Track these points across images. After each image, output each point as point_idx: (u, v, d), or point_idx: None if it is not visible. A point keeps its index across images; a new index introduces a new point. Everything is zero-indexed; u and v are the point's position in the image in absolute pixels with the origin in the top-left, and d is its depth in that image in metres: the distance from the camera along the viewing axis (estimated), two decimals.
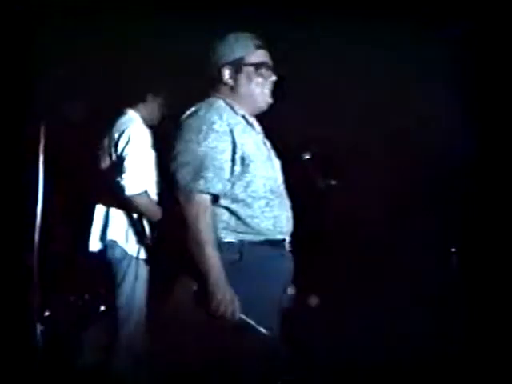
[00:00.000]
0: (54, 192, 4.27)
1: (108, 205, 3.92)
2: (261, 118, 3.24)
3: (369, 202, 4.75)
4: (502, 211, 4.59)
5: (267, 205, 2.80)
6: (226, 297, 2.67)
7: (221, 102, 2.87)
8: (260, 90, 2.93)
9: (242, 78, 2.90)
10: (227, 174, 2.75)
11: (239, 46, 2.91)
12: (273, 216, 2.81)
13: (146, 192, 3.82)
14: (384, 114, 4.68)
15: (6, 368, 3.94)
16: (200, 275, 2.68)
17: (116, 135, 3.88)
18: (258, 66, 2.91)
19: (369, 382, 4.11)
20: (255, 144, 2.87)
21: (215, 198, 2.75)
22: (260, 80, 2.92)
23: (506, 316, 4.33)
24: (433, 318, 4.42)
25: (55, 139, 4.20)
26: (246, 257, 2.76)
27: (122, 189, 3.79)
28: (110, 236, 3.88)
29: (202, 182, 2.70)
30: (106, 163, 3.94)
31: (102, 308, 4.26)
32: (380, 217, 4.76)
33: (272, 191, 2.84)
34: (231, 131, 2.79)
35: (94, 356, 3.97)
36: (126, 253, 3.81)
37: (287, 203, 2.93)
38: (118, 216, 3.91)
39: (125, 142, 3.83)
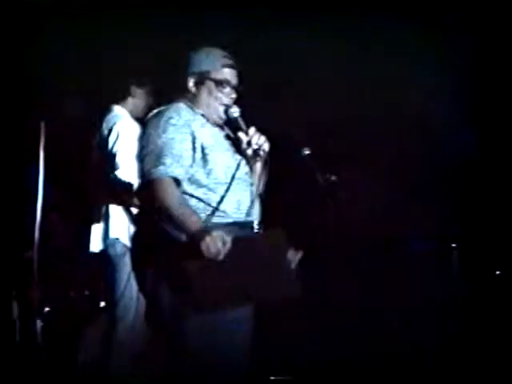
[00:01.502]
0: (53, 189, 4.29)
1: (106, 202, 3.92)
2: (262, 116, 3.26)
3: (369, 198, 4.75)
4: (502, 206, 4.60)
5: (229, 190, 2.98)
6: (205, 236, 2.79)
7: (181, 104, 3.08)
8: (217, 104, 3.10)
9: (204, 90, 3.10)
10: (188, 161, 2.95)
11: (208, 61, 3.11)
12: (236, 200, 2.99)
13: None
14: (384, 110, 4.68)
15: (7, 363, 3.94)
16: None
17: (105, 132, 3.91)
18: (219, 82, 3.09)
19: (368, 380, 4.10)
20: (213, 137, 3.05)
21: (177, 183, 2.93)
22: (219, 95, 3.10)
23: (506, 312, 4.33)
24: (433, 314, 4.42)
25: (55, 136, 4.21)
26: None
27: (117, 184, 3.80)
28: (112, 234, 3.88)
29: (161, 167, 2.89)
30: (100, 161, 3.95)
31: (102, 304, 4.26)
32: (380, 212, 4.76)
33: (234, 177, 3.01)
34: (189, 125, 3.00)
35: (93, 351, 3.96)
36: (128, 248, 3.81)
37: (253, 189, 3.08)
38: (118, 213, 3.91)
39: (114, 139, 3.86)
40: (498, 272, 4.57)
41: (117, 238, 3.86)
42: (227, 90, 3.10)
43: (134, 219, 3.85)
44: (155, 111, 3.09)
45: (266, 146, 3.10)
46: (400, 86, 4.64)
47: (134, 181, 3.79)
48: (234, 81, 3.12)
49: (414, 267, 4.61)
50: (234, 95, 3.12)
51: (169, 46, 4.41)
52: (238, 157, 3.08)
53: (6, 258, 4.43)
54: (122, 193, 3.79)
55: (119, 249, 3.85)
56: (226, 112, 3.11)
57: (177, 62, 3.20)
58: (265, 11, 4.54)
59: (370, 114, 4.75)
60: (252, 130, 3.10)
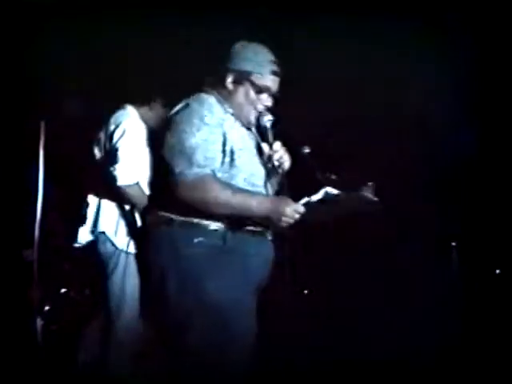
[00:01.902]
0: (53, 187, 4.29)
1: (100, 196, 3.92)
2: None
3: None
4: (501, 205, 4.60)
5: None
6: (280, 206, 2.82)
7: (212, 99, 2.98)
8: (251, 107, 3.00)
9: (241, 90, 2.99)
10: (218, 164, 2.88)
11: (254, 63, 2.97)
12: None
13: (137, 184, 3.82)
14: (384, 110, 4.69)
15: (7, 362, 3.93)
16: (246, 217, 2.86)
17: (112, 127, 3.89)
18: (260, 88, 2.98)
19: (369, 380, 4.09)
20: (242, 140, 2.97)
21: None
22: (256, 100, 2.99)
23: (506, 310, 4.34)
24: (432, 313, 4.42)
25: (55, 136, 4.22)
26: (228, 242, 2.90)
27: (114, 179, 3.78)
28: (100, 227, 3.87)
29: (196, 169, 2.82)
30: (101, 155, 3.94)
31: (102, 303, 4.25)
32: (379, 211, 4.76)
33: (252, 184, 2.96)
34: (221, 125, 2.91)
35: (93, 351, 3.96)
36: (116, 246, 3.81)
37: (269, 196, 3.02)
38: (109, 208, 3.90)
39: (120, 134, 3.84)
40: (497, 271, 4.58)
41: (103, 232, 3.85)
42: (265, 96, 2.99)
43: (126, 216, 3.85)
44: (182, 104, 2.97)
45: (287, 165, 3.05)
46: (400, 85, 4.64)
47: (133, 178, 3.81)
48: (274, 88, 3.01)
49: (414, 266, 4.61)
50: (269, 102, 3.02)
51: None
52: (261, 166, 3.01)
53: (6, 257, 4.43)
54: (117, 187, 3.79)
55: (109, 247, 3.85)
56: (257, 118, 3.01)
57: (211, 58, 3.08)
58: (265, 11, 4.54)
59: (370, 114, 4.76)
60: (277, 144, 3.02)
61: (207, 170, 2.82)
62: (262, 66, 2.97)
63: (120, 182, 3.77)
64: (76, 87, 4.60)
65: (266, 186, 3.01)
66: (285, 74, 4.77)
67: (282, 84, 4.80)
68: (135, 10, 4.51)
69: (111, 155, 3.82)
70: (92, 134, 4.04)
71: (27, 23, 4.44)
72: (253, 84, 2.96)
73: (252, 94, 2.97)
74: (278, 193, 3.04)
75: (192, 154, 2.82)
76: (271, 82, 2.99)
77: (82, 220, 3.89)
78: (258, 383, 3.16)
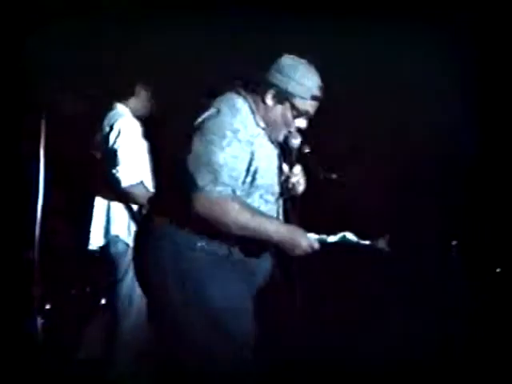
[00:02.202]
0: (54, 186, 4.29)
1: (108, 199, 3.92)
2: None
3: (369, 196, 4.75)
4: (502, 204, 4.60)
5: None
6: (296, 238, 2.81)
7: (246, 108, 2.84)
8: (284, 127, 2.89)
9: (278, 108, 2.86)
10: (240, 183, 2.79)
11: (301, 86, 2.84)
12: None
13: (141, 182, 3.83)
14: (385, 109, 4.68)
15: (7, 360, 3.94)
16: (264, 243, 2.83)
17: (107, 129, 3.90)
18: (299, 112, 2.87)
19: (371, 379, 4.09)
20: (268, 159, 2.88)
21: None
22: (291, 121, 2.88)
23: (507, 309, 4.34)
24: (433, 312, 4.42)
25: (55, 134, 4.21)
26: (234, 253, 2.86)
27: (117, 181, 3.80)
28: (113, 231, 3.88)
29: (220, 187, 2.71)
30: (100, 157, 3.95)
31: (103, 301, 4.27)
32: (380, 210, 4.76)
33: (266, 201, 2.90)
34: (252, 143, 2.79)
35: (94, 349, 3.96)
36: (129, 246, 3.82)
37: (279, 211, 2.97)
38: (119, 210, 3.91)
39: (115, 135, 3.85)
40: (498, 270, 4.58)
41: (117, 236, 3.86)
42: (301, 120, 2.88)
43: (135, 217, 3.86)
44: (213, 110, 2.80)
45: (301, 189, 3.00)
46: (400, 85, 4.63)
47: (137, 177, 3.81)
48: (312, 112, 2.90)
49: (414, 265, 4.61)
50: (304, 125, 2.91)
51: (179, 46, 4.41)
52: (277, 184, 2.93)
53: (7, 256, 4.43)
54: (122, 189, 3.80)
55: (120, 246, 3.86)
56: (286, 137, 2.89)
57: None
58: (265, 11, 4.53)
59: (371, 113, 4.75)
60: (297, 168, 2.96)
61: (229, 190, 2.73)
62: (307, 91, 2.84)
63: (124, 184, 3.78)
64: (76, 85, 4.60)
65: (277, 202, 2.95)
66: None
67: None
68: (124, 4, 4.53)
69: (111, 157, 3.82)
70: (93, 132, 4.05)
71: (27, 21, 4.43)
72: (293, 107, 2.84)
73: (289, 115, 2.85)
74: (286, 213, 2.99)
75: (219, 170, 2.70)
76: (311, 107, 2.88)
77: (92, 224, 3.90)
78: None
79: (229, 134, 2.73)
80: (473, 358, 4.11)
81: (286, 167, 2.95)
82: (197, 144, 2.73)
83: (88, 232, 3.91)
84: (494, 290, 4.50)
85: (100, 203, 3.93)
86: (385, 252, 2.92)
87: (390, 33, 4.46)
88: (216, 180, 2.70)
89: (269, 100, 2.84)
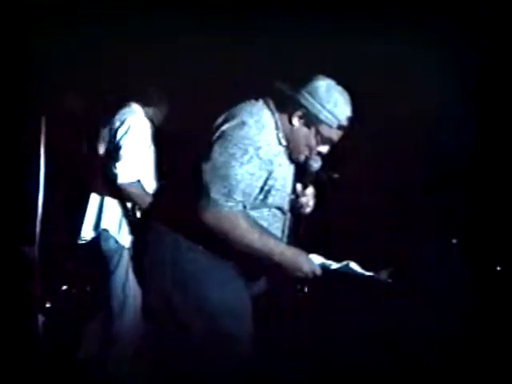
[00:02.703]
0: (54, 184, 4.28)
1: (103, 193, 3.92)
2: None
3: (369, 194, 4.75)
4: (502, 203, 4.61)
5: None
6: (299, 262, 2.82)
7: (272, 124, 2.80)
8: (306, 150, 2.86)
9: (303, 131, 2.82)
10: (251, 200, 2.79)
11: (330, 113, 2.80)
12: None
13: (138, 182, 3.82)
14: (384, 107, 4.68)
15: (8, 358, 3.94)
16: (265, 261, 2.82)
17: (117, 124, 3.88)
18: (323, 139, 2.84)
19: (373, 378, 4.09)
20: (284, 178, 2.87)
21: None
22: (313, 146, 2.85)
23: (507, 307, 4.34)
24: (433, 310, 4.43)
25: (56, 131, 4.20)
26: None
27: (115, 176, 3.80)
28: (103, 225, 3.87)
29: (231, 203, 2.71)
30: (104, 151, 3.94)
31: (103, 299, 4.25)
32: (380, 208, 4.77)
33: (274, 215, 2.89)
34: (272, 162, 2.77)
35: (94, 347, 3.96)
36: (118, 243, 3.81)
37: (286, 224, 2.96)
38: (112, 205, 3.90)
39: (124, 131, 3.84)
40: (498, 268, 4.59)
41: (106, 230, 3.85)
42: (323, 146, 2.86)
43: (128, 214, 3.85)
44: (239, 120, 2.74)
45: (308, 210, 2.98)
46: (400, 83, 4.63)
47: (134, 176, 3.81)
48: (335, 140, 2.87)
49: (415, 263, 4.61)
50: (325, 150, 2.88)
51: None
52: (287, 201, 2.92)
53: (7, 254, 4.43)
54: (118, 185, 3.79)
55: (110, 242, 3.85)
56: (307, 158, 2.87)
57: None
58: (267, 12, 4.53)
59: (371, 112, 4.75)
60: (310, 190, 2.95)
61: (240, 206, 2.72)
62: (336, 120, 2.81)
63: (120, 180, 3.78)
64: (77, 83, 4.59)
65: (285, 216, 2.94)
66: (285, 67, 4.79)
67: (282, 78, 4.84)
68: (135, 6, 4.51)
69: (114, 152, 3.82)
70: (93, 129, 4.04)
71: (27, 18, 4.42)
72: (318, 132, 2.81)
73: (313, 140, 2.82)
74: (291, 231, 3.00)
75: (234, 186, 2.68)
76: (336, 135, 2.86)
77: (85, 216, 3.89)
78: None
79: (251, 150, 2.70)
80: (473, 356, 4.12)
81: (299, 186, 2.92)
82: (217, 154, 2.70)
83: (81, 225, 3.90)
84: (494, 288, 4.50)
85: (94, 197, 3.92)
86: (387, 284, 2.91)
87: (389, 32, 4.47)
88: (229, 195, 2.69)
89: (295, 121, 2.80)
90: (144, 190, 3.82)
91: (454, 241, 4.57)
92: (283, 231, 2.94)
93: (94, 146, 3.98)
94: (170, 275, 2.83)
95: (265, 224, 2.85)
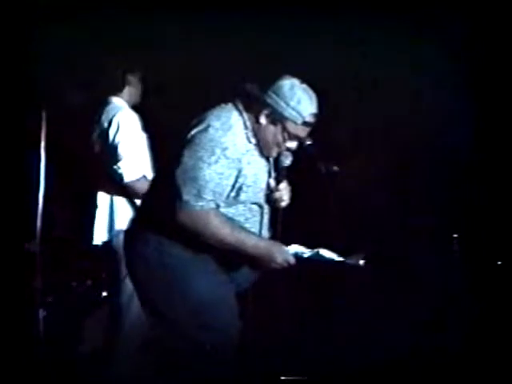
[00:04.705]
0: (55, 179, 4.28)
1: (110, 193, 3.92)
2: None
3: (369, 189, 4.75)
4: (503, 197, 4.61)
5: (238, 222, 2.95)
6: (272, 253, 2.91)
7: (240, 124, 2.91)
8: (275, 146, 2.95)
9: (270, 128, 2.92)
10: (224, 198, 2.88)
11: (295, 110, 2.87)
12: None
13: (144, 177, 3.83)
14: (384, 103, 4.69)
15: (9, 353, 3.95)
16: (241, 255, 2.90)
17: (105, 124, 3.89)
18: (290, 136, 2.92)
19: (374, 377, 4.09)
20: (255, 175, 2.95)
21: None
22: (281, 143, 2.93)
23: (508, 302, 4.34)
24: (434, 305, 4.43)
25: (57, 126, 4.21)
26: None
27: (120, 176, 3.80)
28: (117, 226, 3.88)
29: (202, 203, 2.81)
30: (101, 152, 3.94)
31: (104, 294, 4.28)
32: (381, 203, 4.77)
33: (250, 209, 2.97)
34: (240, 160, 2.87)
35: (96, 342, 3.98)
36: None
37: (264, 218, 3.03)
38: (122, 204, 3.91)
39: (115, 130, 3.85)
40: (499, 262, 4.59)
41: (121, 230, 3.85)
42: (292, 142, 2.94)
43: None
44: (207, 123, 2.85)
45: (283, 205, 3.04)
46: (400, 82, 4.64)
47: (139, 172, 3.82)
48: (303, 136, 2.96)
49: (415, 258, 4.62)
50: (294, 146, 2.96)
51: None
52: (262, 197, 3.00)
53: (9, 249, 4.43)
54: (125, 184, 3.80)
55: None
56: (278, 154, 2.97)
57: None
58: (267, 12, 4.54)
59: (372, 108, 4.76)
60: (283, 185, 3.03)
61: (212, 204, 2.83)
62: (300, 117, 2.88)
63: (127, 179, 3.79)
64: (77, 77, 4.60)
65: (262, 210, 3.01)
66: (286, 64, 4.80)
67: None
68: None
69: (112, 153, 3.82)
70: (93, 124, 4.05)
71: (27, 15, 4.43)
72: (284, 129, 2.89)
73: (280, 137, 2.90)
74: (271, 225, 3.07)
75: (203, 186, 2.79)
76: (303, 131, 2.94)
77: (94, 215, 3.90)
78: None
79: (217, 151, 2.81)
80: (473, 352, 4.12)
81: (272, 181, 3.01)
82: (186, 158, 2.82)
83: (91, 227, 3.91)
84: (494, 282, 4.51)
85: (103, 198, 3.93)
86: (359, 268, 2.95)
87: (389, 30, 4.48)
88: (199, 195, 2.80)
89: (263, 119, 2.90)
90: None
91: (455, 235, 4.57)
92: (261, 224, 3.01)
93: (91, 147, 4.00)
94: (154, 271, 2.90)
95: (242, 219, 2.94)
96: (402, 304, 4.48)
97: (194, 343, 2.85)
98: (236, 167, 2.85)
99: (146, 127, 3.98)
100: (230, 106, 2.95)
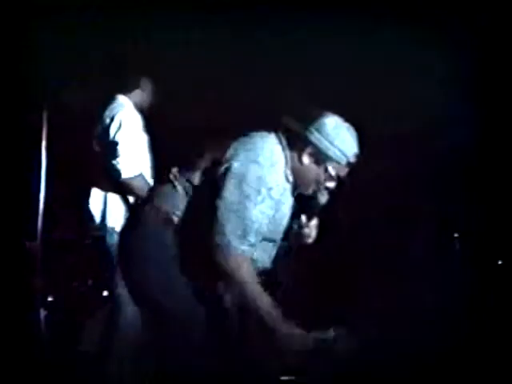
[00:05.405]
0: (56, 179, 4.29)
1: (105, 190, 3.92)
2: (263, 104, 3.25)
3: (370, 189, 4.76)
4: (503, 197, 4.61)
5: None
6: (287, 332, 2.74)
7: (282, 161, 2.77)
8: (314, 185, 2.84)
9: (313, 168, 2.81)
10: (261, 238, 2.79)
11: (339, 151, 2.78)
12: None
13: (141, 174, 3.84)
14: (385, 103, 4.69)
15: (10, 352, 3.95)
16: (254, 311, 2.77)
17: (107, 121, 3.89)
18: (332, 177, 2.83)
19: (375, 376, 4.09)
20: (283, 211, 2.85)
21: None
22: (322, 183, 2.84)
23: (508, 301, 4.35)
24: (435, 304, 4.43)
25: (58, 126, 4.22)
26: None
27: (117, 172, 3.80)
28: (109, 223, 3.88)
29: (244, 246, 2.71)
30: (100, 149, 3.95)
31: (105, 293, 4.27)
32: (382, 203, 4.78)
33: (264, 245, 2.87)
34: (280, 200, 2.79)
35: (96, 341, 3.97)
36: None
37: (272, 254, 2.93)
38: (115, 202, 3.91)
39: (116, 127, 3.85)
40: (500, 262, 4.59)
41: (113, 228, 3.86)
42: (331, 182, 2.84)
43: (131, 208, 3.86)
44: (251, 156, 2.71)
45: (309, 241, 2.96)
46: (399, 80, 4.64)
47: (136, 170, 3.82)
48: (343, 176, 2.85)
49: (416, 257, 4.62)
50: (333, 185, 2.86)
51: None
52: (280, 234, 2.90)
53: (10, 249, 4.44)
54: (122, 180, 3.80)
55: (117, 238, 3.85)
56: (314, 192, 2.86)
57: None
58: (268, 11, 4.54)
59: (372, 106, 4.77)
60: (314, 221, 2.94)
61: (253, 249, 2.73)
62: (345, 157, 2.79)
63: (124, 175, 3.79)
64: (78, 77, 4.60)
65: (271, 249, 2.91)
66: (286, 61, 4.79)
67: (284, 71, 4.85)
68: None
69: (111, 149, 3.82)
70: (94, 123, 4.05)
71: (27, 14, 4.43)
72: (327, 169, 2.79)
73: (322, 177, 2.81)
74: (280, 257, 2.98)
75: (249, 226, 2.69)
76: (344, 171, 2.83)
77: (90, 216, 3.90)
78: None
79: (264, 190, 2.70)
80: (474, 350, 4.12)
81: (303, 218, 2.91)
82: (231, 193, 2.70)
83: (86, 224, 3.91)
84: (495, 281, 4.51)
85: (97, 195, 3.93)
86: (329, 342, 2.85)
87: (389, 29, 4.48)
88: (244, 236, 2.69)
89: (305, 158, 2.79)
90: (147, 182, 3.84)
91: (456, 235, 4.57)
92: (270, 257, 2.91)
93: (92, 144, 4.00)
94: (152, 271, 2.80)
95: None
96: (402, 304, 4.48)
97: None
98: (275, 207, 2.77)
99: (148, 128, 3.99)
100: (273, 138, 2.82)
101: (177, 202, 2.81)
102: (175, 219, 2.79)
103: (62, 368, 3.93)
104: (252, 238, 2.71)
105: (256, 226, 2.71)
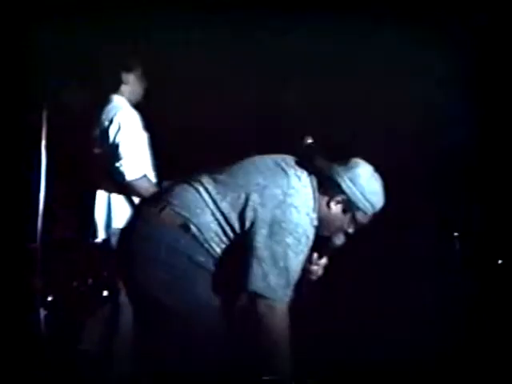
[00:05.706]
0: (56, 178, 4.29)
1: (110, 192, 3.93)
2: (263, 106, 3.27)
3: None
4: (503, 196, 4.61)
5: None
6: None
7: (311, 206, 2.73)
8: (336, 225, 2.86)
9: (339, 215, 2.82)
10: None
11: (368, 202, 2.81)
12: None
13: (145, 176, 3.84)
14: (385, 102, 4.69)
15: (10, 352, 3.95)
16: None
17: (106, 123, 3.90)
18: (356, 224, 2.86)
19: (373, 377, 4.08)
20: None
21: None
22: (344, 229, 2.87)
23: (508, 301, 4.35)
24: (434, 303, 4.44)
25: (58, 126, 4.21)
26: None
27: (121, 175, 3.81)
28: (114, 224, 3.88)
29: (287, 297, 2.72)
30: (102, 152, 3.95)
31: (105, 293, 4.27)
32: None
33: None
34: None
35: (96, 341, 3.98)
36: None
37: None
38: (120, 203, 3.92)
39: (116, 129, 3.86)
40: (499, 261, 4.59)
41: (119, 229, 3.86)
42: (355, 227, 2.88)
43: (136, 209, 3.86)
44: (291, 202, 2.68)
45: (313, 278, 2.96)
46: (399, 79, 4.64)
47: (140, 171, 3.82)
48: (365, 223, 2.88)
49: (416, 257, 4.62)
50: (352, 230, 2.89)
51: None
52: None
53: (10, 248, 4.44)
54: (126, 183, 3.81)
55: None
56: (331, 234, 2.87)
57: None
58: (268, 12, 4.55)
59: (372, 105, 4.77)
60: (324, 260, 2.94)
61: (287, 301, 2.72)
62: (373, 209, 2.83)
63: (128, 177, 3.80)
64: (77, 76, 4.60)
65: None
66: (287, 60, 4.80)
67: (284, 71, 4.86)
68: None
69: (113, 152, 3.83)
70: (94, 123, 4.05)
71: (27, 13, 4.43)
72: (353, 218, 2.82)
73: (346, 223, 2.84)
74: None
75: (292, 276, 2.69)
76: (367, 219, 2.86)
77: (93, 214, 3.91)
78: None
79: (303, 240, 2.69)
80: (474, 350, 4.12)
81: (315, 255, 2.90)
82: (273, 242, 2.66)
83: (90, 225, 3.92)
84: (495, 281, 4.51)
85: (101, 196, 3.94)
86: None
87: (389, 30, 4.48)
88: (288, 286, 2.68)
89: (333, 205, 2.79)
90: (151, 182, 3.84)
91: (456, 234, 4.57)
92: None
93: (92, 146, 4.00)
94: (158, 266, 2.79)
95: None
96: (402, 303, 4.48)
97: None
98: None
99: (147, 126, 3.99)
100: (305, 178, 2.78)
101: (196, 210, 2.74)
102: (193, 228, 2.73)
103: (62, 368, 3.93)
104: (292, 287, 2.69)
105: (296, 275, 2.69)
